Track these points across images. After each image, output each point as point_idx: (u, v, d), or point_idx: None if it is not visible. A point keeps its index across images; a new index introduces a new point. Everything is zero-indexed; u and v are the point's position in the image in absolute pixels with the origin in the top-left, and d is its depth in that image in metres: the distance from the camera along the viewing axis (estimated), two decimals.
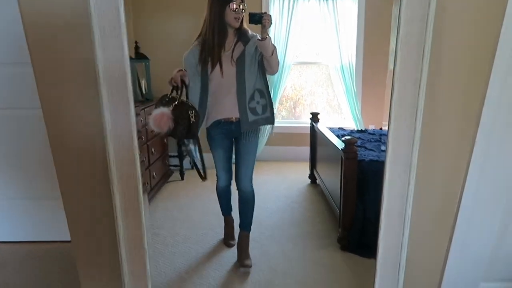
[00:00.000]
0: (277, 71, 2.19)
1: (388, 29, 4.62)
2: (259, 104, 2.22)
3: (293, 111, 5.09)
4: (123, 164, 1.46)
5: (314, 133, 3.88)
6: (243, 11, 2.09)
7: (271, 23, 2.00)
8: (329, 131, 3.40)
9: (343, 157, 2.46)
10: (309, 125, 4.11)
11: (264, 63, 2.15)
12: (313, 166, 3.97)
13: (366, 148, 2.97)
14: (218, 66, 2.12)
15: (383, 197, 1.48)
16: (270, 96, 2.29)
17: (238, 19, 2.07)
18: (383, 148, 2.99)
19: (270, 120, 2.29)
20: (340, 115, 5.06)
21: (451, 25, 1.35)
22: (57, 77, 1.46)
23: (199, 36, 2.15)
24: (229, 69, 2.13)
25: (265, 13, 1.99)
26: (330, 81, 4.92)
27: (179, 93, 2.06)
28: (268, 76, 2.28)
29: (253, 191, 2.39)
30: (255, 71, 2.17)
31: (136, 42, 3.69)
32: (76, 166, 1.55)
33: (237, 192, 2.42)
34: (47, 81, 1.46)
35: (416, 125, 1.40)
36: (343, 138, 2.48)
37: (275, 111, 2.36)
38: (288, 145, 4.87)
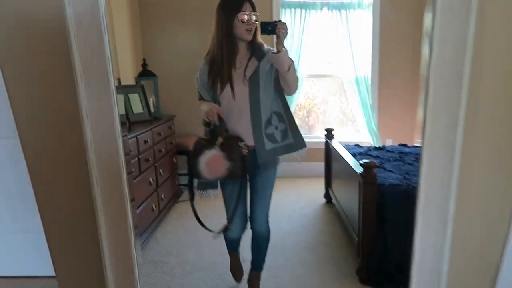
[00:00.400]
0: (295, 90, 1.90)
1: (405, 38, 4.44)
2: (278, 129, 1.92)
3: (306, 119, 4.94)
4: (111, 199, 1.32)
5: (329, 150, 3.71)
6: (256, 21, 1.82)
7: (287, 32, 1.74)
8: (344, 150, 3.22)
9: (361, 182, 2.29)
10: (323, 140, 3.94)
11: (280, 80, 1.87)
12: (328, 185, 3.79)
13: (385, 169, 2.78)
14: (228, 86, 1.86)
15: (415, 249, 1.29)
16: (293, 119, 1.96)
17: (250, 31, 1.81)
18: (403, 167, 2.81)
19: (294, 146, 1.95)
20: (355, 128, 4.87)
21: (492, 46, 1.17)
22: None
23: (207, 53, 1.91)
24: (241, 89, 1.85)
25: (279, 21, 1.73)
26: (344, 93, 4.75)
27: (218, 129, 1.85)
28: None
29: (269, 229, 2.10)
30: (271, 91, 1.89)
31: (143, 60, 3.59)
32: (58, 197, 1.41)
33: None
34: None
35: (453, 167, 1.21)
36: (361, 162, 2.31)
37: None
38: (302, 161, 4.69)
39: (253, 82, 1.84)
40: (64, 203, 1.42)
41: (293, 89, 1.88)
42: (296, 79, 1.87)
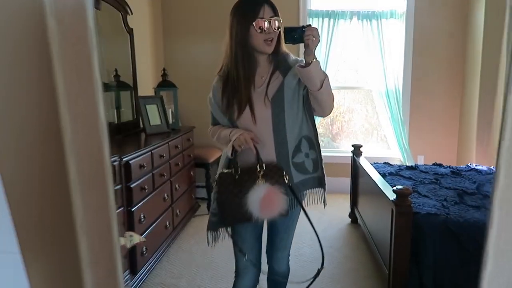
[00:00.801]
0: (330, 111, 1.56)
1: (443, 49, 4.15)
2: (309, 157, 1.58)
3: (330, 128, 4.71)
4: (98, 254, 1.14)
5: (356, 167, 3.46)
6: (278, 28, 1.47)
7: (319, 40, 1.39)
8: (373, 169, 2.97)
9: (394, 210, 2.05)
10: (349, 155, 3.69)
11: (311, 99, 1.52)
12: (354, 204, 3.54)
13: (419, 193, 2.52)
14: (247, 109, 1.52)
15: None
16: (320, 147, 1.61)
17: (271, 41, 1.46)
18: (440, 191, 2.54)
19: (322, 181, 1.62)
20: (383, 143, 4.60)
21: None
22: None
23: (221, 68, 1.58)
24: (263, 111, 1.52)
25: (308, 26, 1.39)
26: (371, 102, 4.50)
27: (258, 158, 1.49)
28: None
29: (289, 268, 1.82)
30: (300, 112, 1.54)
31: (163, 70, 3.46)
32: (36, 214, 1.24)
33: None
34: None
35: None
36: (395, 188, 2.07)
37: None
38: (327, 176, 4.45)
39: (277, 102, 1.51)
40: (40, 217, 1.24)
41: (327, 110, 1.54)
42: (332, 98, 1.52)
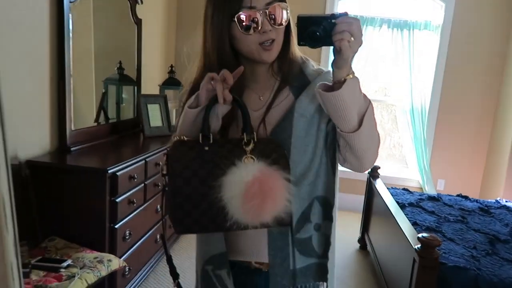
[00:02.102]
0: (372, 164, 0.96)
1: (476, 67, 3.79)
2: (320, 231, 0.98)
3: None
4: None
5: (371, 190, 3.15)
6: (281, 23, 0.88)
7: (361, 42, 0.81)
8: (391, 198, 2.66)
9: (416, 260, 1.74)
10: (365, 172, 3.39)
11: (340, 143, 0.94)
12: (365, 229, 3.23)
13: (444, 235, 2.20)
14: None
15: None
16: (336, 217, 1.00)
17: (270, 44, 0.89)
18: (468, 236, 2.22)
19: (327, 270, 0.98)
20: (402, 161, 4.27)
21: None
22: None
23: (195, 81, 0.99)
24: None
25: (343, 14, 0.81)
26: (394, 120, 4.17)
27: (244, 121, 0.89)
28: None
29: None
30: (318, 158, 0.95)
31: (171, 66, 3.19)
32: None
33: None
34: None
35: None
36: (420, 235, 1.76)
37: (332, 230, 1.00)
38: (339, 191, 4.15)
39: (279, 138, 0.93)
40: None
41: (367, 162, 0.94)
42: (377, 141, 0.94)
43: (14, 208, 0.56)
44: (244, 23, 0.86)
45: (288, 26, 0.92)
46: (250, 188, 0.77)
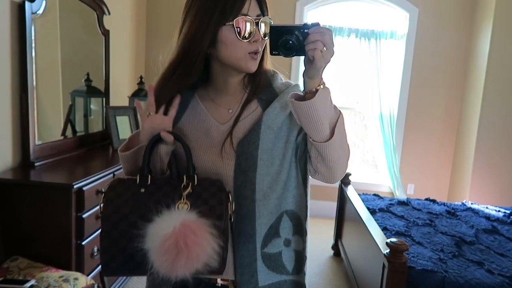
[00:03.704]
0: (342, 175, 0.96)
1: (440, 74, 3.93)
2: (290, 247, 0.96)
3: None
4: None
5: (343, 197, 3.19)
6: (265, 35, 0.89)
7: (333, 52, 0.81)
8: (362, 205, 2.71)
9: (386, 265, 1.77)
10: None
11: (311, 154, 0.93)
12: (338, 236, 3.27)
13: (413, 239, 2.26)
14: (196, 157, 0.93)
15: None
16: (307, 234, 1.00)
17: (256, 54, 0.89)
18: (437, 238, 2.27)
19: (299, 287, 0.98)
20: (373, 167, 4.36)
21: None
22: None
23: (162, 77, 0.95)
24: (219, 164, 0.93)
25: (315, 24, 0.81)
26: (364, 127, 4.27)
27: (187, 159, 0.87)
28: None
29: None
30: (285, 171, 0.94)
31: (140, 77, 3.15)
32: None
33: None
34: None
35: None
36: (388, 241, 1.79)
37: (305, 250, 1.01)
38: (311, 199, 4.18)
39: (245, 151, 0.91)
40: None
41: (338, 173, 0.94)
42: (347, 152, 0.94)
43: None
44: (243, 29, 0.85)
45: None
46: (165, 241, 0.74)
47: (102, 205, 0.83)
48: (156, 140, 0.86)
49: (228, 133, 0.93)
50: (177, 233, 0.74)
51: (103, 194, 0.84)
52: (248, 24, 0.85)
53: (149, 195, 0.82)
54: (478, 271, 1.90)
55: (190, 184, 0.83)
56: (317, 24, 0.81)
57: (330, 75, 3.99)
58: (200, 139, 0.95)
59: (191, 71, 0.89)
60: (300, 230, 0.97)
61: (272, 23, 0.85)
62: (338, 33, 3.87)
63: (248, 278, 0.90)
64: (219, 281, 0.94)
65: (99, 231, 0.83)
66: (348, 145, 0.94)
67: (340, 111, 0.90)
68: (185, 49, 0.88)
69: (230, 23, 0.84)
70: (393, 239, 1.78)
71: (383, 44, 3.89)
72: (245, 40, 0.86)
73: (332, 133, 0.87)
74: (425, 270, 1.85)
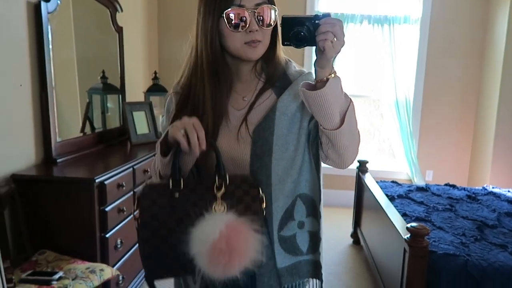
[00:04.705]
0: (352, 161, 0.99)
1: (456, 58, 3.86)
2: (304, 229, 1.00)
3: None
4: None
5: (360, 185, 3.18)
6: (269, 24, 0.91)
7: (343, 42, 0.83)
8: (381, 191, 2.69)
9: (407, 250, 1.77)
10: (353, 168, 3.42)
11: (322, 141, 0.95)
12: (357, 224, 3.26)
13: (433, 224, 2.24)
14: (217, 142, 0.96)
15: None
16: (321, 215, 1.01)
17: (254, 43, 0.90)
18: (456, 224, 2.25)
19: (318, 267, 1.01)
20: (390, 155, 4.32)
21: None
22: None
23: (179, 79, 1.03)
24: (235, 150, 0.96)
25: (326, 15, 0.83)
26: (380, 114, 4.22)
27: (217, 162, 0.88)
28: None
29: None
30: (300, 156, 0.97)
31: (155, 73, 3.18)
32: None
33: None
34: None
35: None
36: (409, 225, 1.78)
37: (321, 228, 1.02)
38: (328, 188, 4.17)
39: (261, 136, 0.94)
40: None
41: (348, 158, 0.97)
42: (357, 139, 0.96)
43: None
44: (232, 21, 0.88)
45: (275, 28, 0.94)
46: (216, 245, 0.76)
47: (137, 213, 0.85)
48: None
49: (243, 118, 0.96)
50: (225, 237, 0.77)
51: (137, 202, 0.85)
52: (237, 15, 0.87)
53: (184, 199, 0.84)
54: (502, 254, 1.88)
55: (223, 184, 0.85)
56: (328, 15, 0.82)
57: (344, 63, 3.96)
58: (221, 125, 0.97)
59: (221, 60, 0.94)
60: (314, 213, 1.00)
61: (284, 15, 0.85)
62: (350, 20, 3.83)
63: (266, 261, 0.90)
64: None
65: (138, 239, 0.85)
66: (358, 132, 0.96)
67: (350, 99, 0.91)
68: (203, 47, 0.93)
69: (223, 15, 0.88)
70: (414, 224, 1.77)
71: (396, 29, 3.83)
72: (237, 31, 0.88)
73: (342, 121, 0.89)
74: (446, 254, 1.84)
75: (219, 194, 0.84)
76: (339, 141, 0.91)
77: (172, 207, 0.84)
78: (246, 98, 1.00)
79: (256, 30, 0.89)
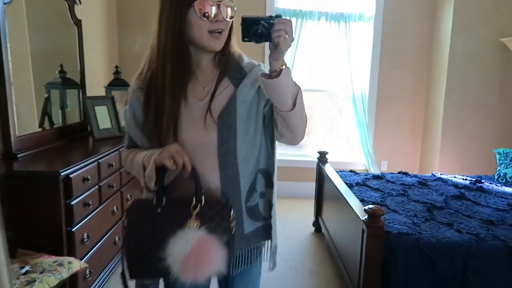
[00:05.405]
0: (303, 137, 1.15)
1: (407, 54, 4.11)
2: (264, 198, 1.18)
3: None
4: None
5: (321, 175, 3.33)
6: (231, 17, 1.06)
7: (293, 38, 0.99)
8: (340, 179, 2.84)
9: (365, 230, 1.90)
10: (313, 160, 3.58)
11: (277, 122, 1.10)
12: (318, 213, 3.41)
13: (388, 207, 2.41)
14: (179, 132, 1.09)
15: None
16: (273, 183, 1.20)
17: (219, 33, 1.05)
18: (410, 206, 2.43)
19: (269, 230, 1.21)
20: (347, 147, 4.51)
21: None
22: None
23: (141, 71, 1.13)
24: (203, 136, 1.09)
25: (278, 16, 0.98)
26: (337, 108, 4.41)
27: (196, 185, 1.05)
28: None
29: None
30: (259, 136, 1.14)
31: (116, 67, 3.14)
32: None
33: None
34: None
35: None
36: (366, 207, 1.92)
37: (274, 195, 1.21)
38: (289, 180, 4.32)
39: (226, 123, 1.08)
40: None
41: (299, 136, 1.13)
42: (305, 119, 1.13)
43: None
44: (202, 10, 1.01)
45: (231, 24, 1.08)
46: (187, 258, 0.95)
47: (125, 225, 1.03)
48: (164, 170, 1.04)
49: (207, 107, 1.10)
50: (194, 251, 0.95)
51: (125, 214, 1.04)
52: (207, 6, 1.01)
53: (164, 214, 1.02)
54: (448, 231, 2.07)
55: (199, 204, 1.02)
56: (280, 16, 0.98)
57: (303, 59, 4.09)
58: (185, 115, 1.10)
59: (184, 50, 1.06)
60: (270, 184, 1.18)
61: (244, 15, 0.99)
62: (309, 17, 3.96)
63: (237, 228, 1.09)
64: None
65: (123, 243, 1.04)
66: (305, 114, 1.13)
67: (299, 86, 1.07)
68: (167, 37, 1.04)
69: (193, 5, 1.01)
70: (371, 206, 1.91)
71: (352, 26, 4.01)
72: (205, 19, 1.01)
73: (294, 104, 1.05)
74: (400, 233, 1.99)
75: (194, 212, 1.01)
76: (292, 121, 1.07)
77: (154, 221, 1.02)
78: (206, 88, 1.13)
79: (221, 21, 1.03)
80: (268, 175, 1.17)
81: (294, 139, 1.14)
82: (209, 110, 1.09)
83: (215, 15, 1.02)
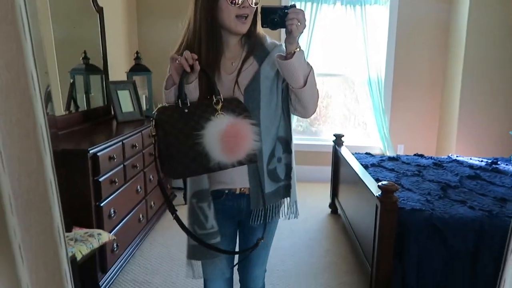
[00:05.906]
0: (314, 112, 1.31)
1: (423, 38, 4.08)
2: (281, 163, 1.33)
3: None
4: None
5: (337, 157, 3.38)
6: (256, 4, 1.21)
7: (304, 25, 1.14)
8: (356, 161, 2.89)
9: (378, 206, 1.96)
10: (330, 144, 3.63)
11: (291, 97, 1.27)
12: (334, 195, 3.47)
13: (403, 186, 2.46)
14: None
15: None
16: (293, 152, 1.37)
17: (245, 18, 1.20)
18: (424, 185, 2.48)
19: (288, 189, 1.38)
20: (363, 131, 4.54)
21: None
22: None
23: (178, 49, 1.25)
24: None
25: (292, 6, 1.13)
26: (353, 92, 4.43)
27: (212, 88, 1.17)
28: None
29: (264, 284, 1.58)
30: (279, 109, 1.31)
31: (137, 53, 3.25)
32: None
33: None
34: None
35: None
36: (379, 184, 1.98)
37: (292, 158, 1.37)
38: (306, 164, 4.39)
39: (252, 95, 1.24)
40: None
41: (310, 110, 1.29)
42: (316, 96, 1.28)
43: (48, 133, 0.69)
44: None
45: (256, 10, 1.22)
46: (225, 133, 1.05)
47: (155, 127, 1.09)
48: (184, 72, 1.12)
49: (235, 81, 1.24)
50: (232, 126, 1.07)
51: (154, 120, 1.10)
52: None
53: (192, 113, 1.10)
54: (461, 208, 2.11)
55: (220, 100, 1.13)
56: (294, 6, 1.13)
57: (320, 43, 4.12)
58: (217, 86, 1.21)
59: (215, 32, 1.20)
60: (288, 149, 1.34)
61: (263, 6, 1.16)
62: (324, 1, 3.97)
63: (258, 187, 1.28)
64: (238, 190, 1.31)
65: (154, 145, 1.10)
66: (317, 90, 1.27)
67: (311, 66, 1.21)
68: (201, 21, 1.19)
69: None
70: (384, 182, 1.97)
71: (368, 10, 4.00)
72: (233, 5, 1.16)
73: (305, 82, 1.20)
74: (414, 210, 2.05)
75: (218, 107, 1.12)
76: (303, 97, 1.23)
77: (184, 118, 1.09)
78: (234, 63, 1.27)
79: (247, 7, 1.18)
80: (285, 142, 1.33)
81: (305, 113, 1.30)
82: (237, 83, 1.24)
83: (242, 2, 1.17)
